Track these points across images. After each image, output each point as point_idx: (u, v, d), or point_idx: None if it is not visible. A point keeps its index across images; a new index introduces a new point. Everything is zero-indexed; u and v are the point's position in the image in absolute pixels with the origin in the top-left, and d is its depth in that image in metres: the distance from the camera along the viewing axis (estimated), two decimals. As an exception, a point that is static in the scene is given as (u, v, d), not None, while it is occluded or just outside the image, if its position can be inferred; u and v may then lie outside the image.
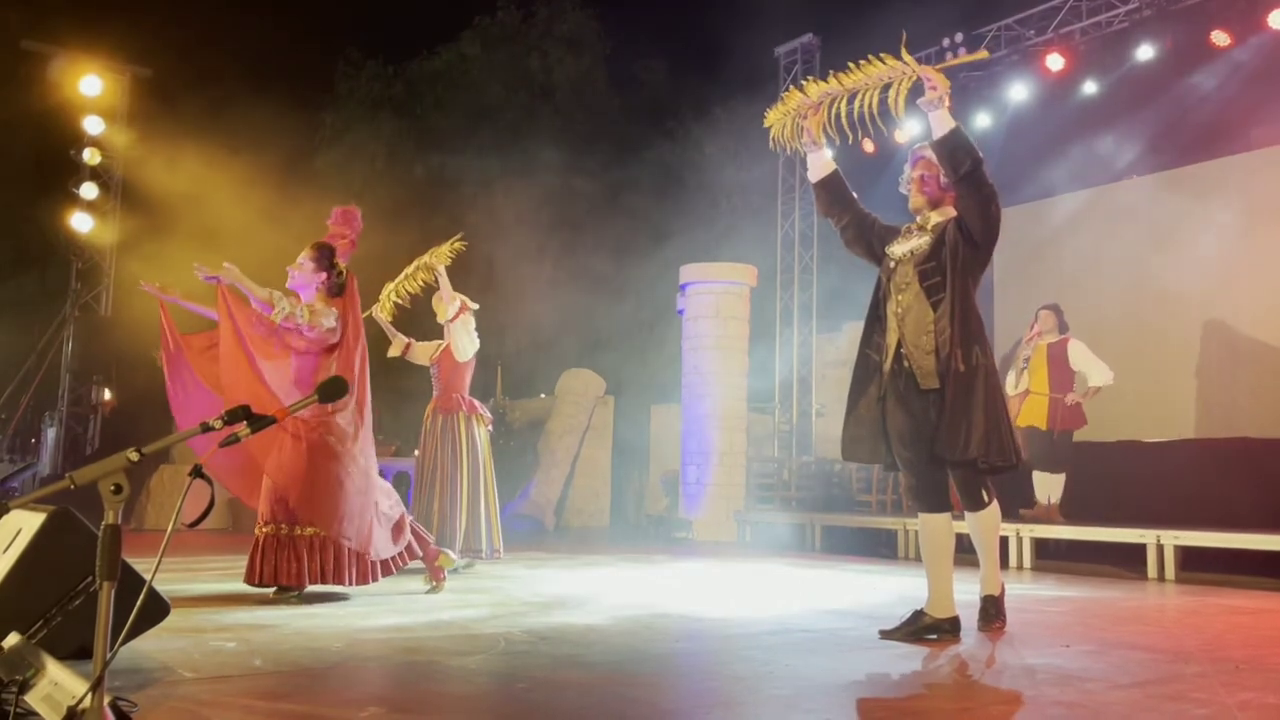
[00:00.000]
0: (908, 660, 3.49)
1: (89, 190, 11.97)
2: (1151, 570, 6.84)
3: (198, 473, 2.03)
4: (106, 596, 1.89)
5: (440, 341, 6.72)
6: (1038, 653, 3.68)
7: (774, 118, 4.38)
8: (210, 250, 13.84)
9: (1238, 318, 8.73)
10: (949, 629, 3.92)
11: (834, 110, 4.19)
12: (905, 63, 3.97)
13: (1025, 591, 5.81)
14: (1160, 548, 6.87)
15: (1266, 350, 8.50)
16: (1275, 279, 8.46)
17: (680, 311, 11.72)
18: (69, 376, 12.08)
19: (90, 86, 11.93)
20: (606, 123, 18.53)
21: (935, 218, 4.10)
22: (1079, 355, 8.02)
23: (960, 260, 3.95)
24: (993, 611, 4.14)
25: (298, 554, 4.72)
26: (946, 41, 10.67)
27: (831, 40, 12.70)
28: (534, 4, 19.57)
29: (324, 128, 18.77)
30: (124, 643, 2.11)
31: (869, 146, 11.70)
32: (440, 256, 6.56)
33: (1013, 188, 9.48)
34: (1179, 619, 5.02)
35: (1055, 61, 9.84)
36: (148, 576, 2.32)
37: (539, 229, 17.66)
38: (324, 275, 4.98)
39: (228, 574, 5.87)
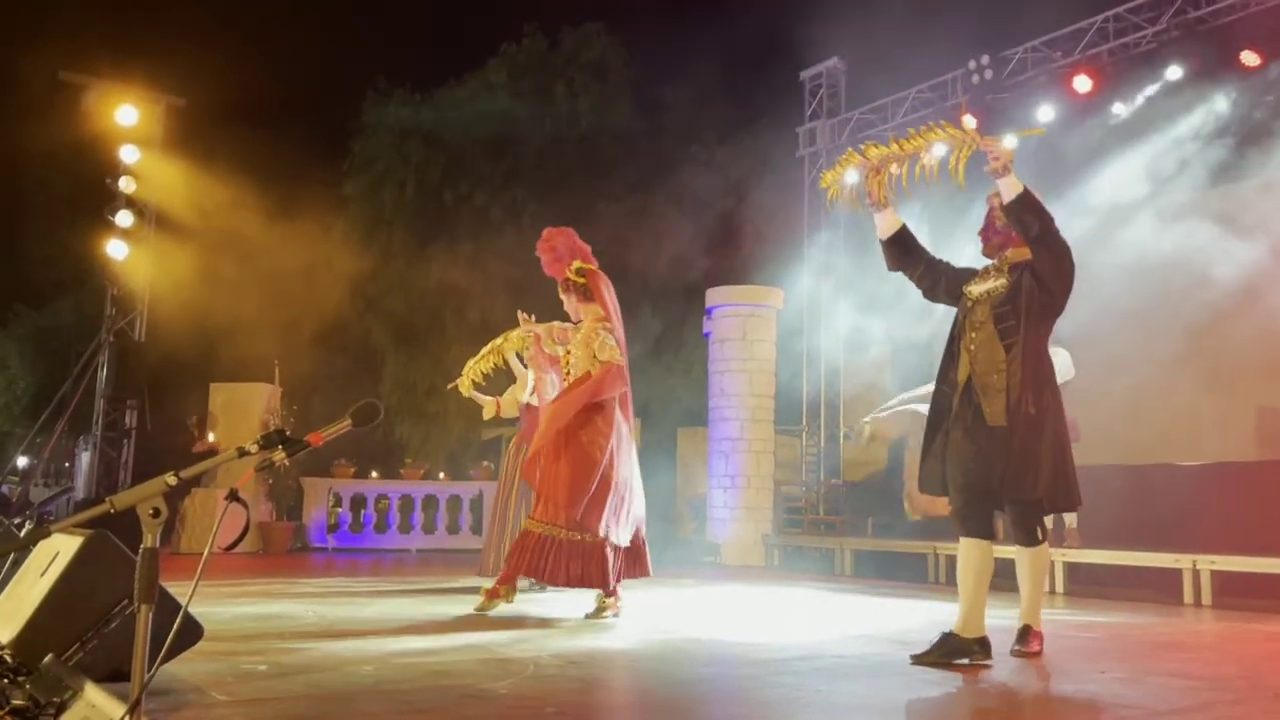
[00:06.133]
0: (940, 686, 3.45)
1: (124, 218, 12.15)
2: (1188, 595, 6.74)
3: (234, 497, 2.05)
4: (144, 619, 1.91)
5: (524, 370, 6.95)
6: (1073, 679, 3.63)
7: (830, 179, 4.47)
8: (241, 273, 14.03)
9: (1272, 339, 8.61)
10: (979, 650, 3.89)
11: (894, 173, 4.27)
12: (965, 132, 4.07)
13: (1060, 616, 5.73)
14: (1196, 573, 6.77)
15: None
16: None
17: (707, 334, 11.72)
18: (103, 402, 12.23)
19: (126, 116, 12.14)
20: (632, 147, 18.63)
21: (1012, 257, 4.22)
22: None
23: (1035, 306, 4.07)
24: (1028, 638, 4.13)
25: (546, 553, 5.03)
26: (973, 64, 10.67)
27: (857, 65, 12.74)
28: (559, 31, 19.75)
29: (353, 155, 18.99)
30: (160, 665, 2.13)
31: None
32: (512, 343, 6.86)
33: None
34: (1216, 645, 4.94)
35: (1083, 83, 9.80)
36: (182, 600, 2.34)
37: (566, 253, 17.70)
38: (574, 295, 5.44)
39: (260, 596, 5.91)
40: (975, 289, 4.24)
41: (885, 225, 4.39)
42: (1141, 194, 9.68)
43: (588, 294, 5.40)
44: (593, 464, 5.08)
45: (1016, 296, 4.09)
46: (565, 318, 5.79)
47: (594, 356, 5.29)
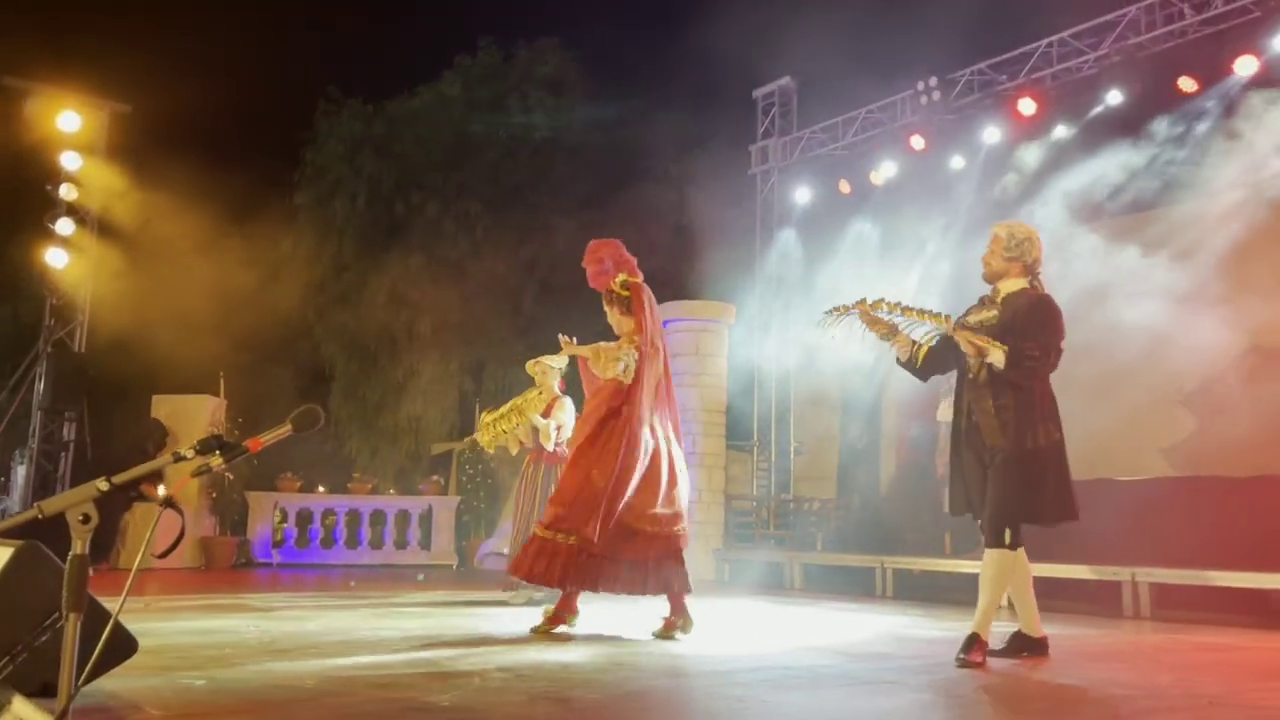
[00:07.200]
0: (883, 696, 3.48)
1: (65, 226, 11.88)
2: (1126, 608, 6.86)
3: (168, 503, 2.01)
4: (72, 628, 1.87)
5: (545, 422, 7.15)
6: (1014, 689, 3.68)
7: (830, 321, 4.66)
8: (185, 283, 13.75)
9: (1208, 358, 8.83)
10: (1039, 649, 4.47)
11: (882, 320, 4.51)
12: (944, 321, 4.34)
13: (1001, 628, 5.78)
14: (1135, 585, 6.90)
15: (1237, 390, 8.60)
16: (1245, 320, 8.58)
17: (659, 349, 11.73)
18: (40, 414, 11.93)
19: (68, 122, 11.90)
20: (585, 161, 18.66)
21: (1005, 289, 4.45)
22: None
23: None
24: (973, 647, 4.20)
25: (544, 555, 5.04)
26: (921, 85, 10.84)
27: (809, 84, 12.90)
28: (515, 45, 19.76)
29: (304, 165, 18.79)
30: (90, 678, 2.08)
31: (845, 188, 11.86)
32: (532, 403, 7.19)
33: (984, 227, 9.57)
34: (1153, 655, 5.03)
35: (1027, 105, 10.02)
36: (114, 611, 2.29)
37: (518, 266, 17.68)
38: (617, 308, 5.44)
39: (201, 612, 5.79)
40: (971, 318, 4.49)
41: (901, 352, 4.62)
42: (1081, 215, 9.90)
43: (629, 307, 5.44)
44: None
45: (1005, 336, 4.28)
46: (579, 332, 5.86)
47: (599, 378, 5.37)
